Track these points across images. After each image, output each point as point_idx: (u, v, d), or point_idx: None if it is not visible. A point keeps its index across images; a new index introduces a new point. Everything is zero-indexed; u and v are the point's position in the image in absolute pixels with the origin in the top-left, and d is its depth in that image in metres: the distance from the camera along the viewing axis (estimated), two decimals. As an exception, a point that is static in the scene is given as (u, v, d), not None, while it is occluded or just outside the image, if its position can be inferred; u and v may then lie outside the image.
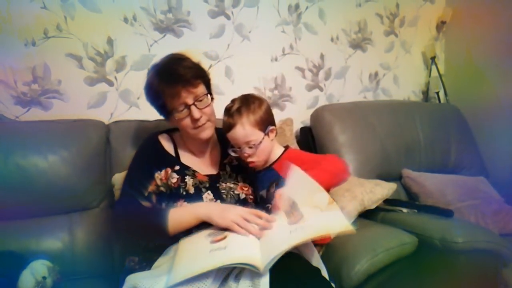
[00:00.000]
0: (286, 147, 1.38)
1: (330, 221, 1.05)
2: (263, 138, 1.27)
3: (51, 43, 1.70)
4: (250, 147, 1.26)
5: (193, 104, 1.26)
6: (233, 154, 1.32)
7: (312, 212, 1.08)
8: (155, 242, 1.23)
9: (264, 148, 1.28)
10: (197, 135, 1.32)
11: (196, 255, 1.04)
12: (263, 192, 1.30)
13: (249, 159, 1.28)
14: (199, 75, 1.30)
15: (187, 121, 1.28)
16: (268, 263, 0.97)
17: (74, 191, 1.50)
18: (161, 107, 1.31)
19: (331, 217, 1.06)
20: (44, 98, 1.71)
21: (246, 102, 1.28)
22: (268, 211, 1.22)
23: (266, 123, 1.28)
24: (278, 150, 1.35)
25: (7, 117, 1.65)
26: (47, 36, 1.69)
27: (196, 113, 1.26)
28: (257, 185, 1.34)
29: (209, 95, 1.31)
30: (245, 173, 1.41)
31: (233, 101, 1.31)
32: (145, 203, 1.25)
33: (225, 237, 1.08)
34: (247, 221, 1.10)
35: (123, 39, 1.82)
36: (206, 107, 1.29)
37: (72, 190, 1.49)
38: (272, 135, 1.31)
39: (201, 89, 1.29)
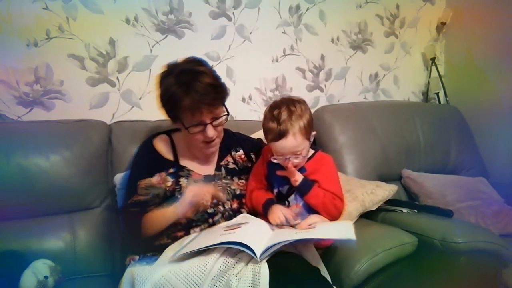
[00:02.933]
0: (316, 149, 1.35)
1: (336, 229, 1.17)
2: (307, 145, 1.23)
3: (53, 43, 1.71)
4: (296, 157, 1.21)
5: (210, 123, 1.26)
6: (275, 161, 1.26)
7: (324, 224, 1.20)
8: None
9: (305, 153, 1.24)
10: (202, 149, 1.33)
11: (208, 237, 1.14)
12: (284, 188, 1.29)
13: (295, 165, 1.24)
14: (222, 95, 1.29)
15: (199, 136, 1.28)
16: (265, 250, 1.01)
17: (76, 191, 1.51)
18: (176, 116, 1.30)
19: (338, 227, 1.18)
20: (46, 98, 1.72)
21: (293, 107, 1.21)
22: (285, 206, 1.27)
23: (312, 129, 1.24)
24: (309, 152, 1.31)
25: (9, 117, 1.66)
26: (49, 37, 1.70)
27: (211, 132, 1.27)
28: (279, 181, 1.31)
29: (228, 115, 1.31)
30: (241, 175, 1.41)
31: (277, 106, 1.23)
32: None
33: (238, 227, 1.13)
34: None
35: (125, 40, 1.83)
36: (220, 126, 1.30)
37: (73, 190, 1.50)
38: (312, 139, 1.27)
39: (220, 108, 1.29)
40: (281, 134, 1.18)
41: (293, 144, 1.18)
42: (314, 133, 1.26)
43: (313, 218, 1.23)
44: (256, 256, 1.00)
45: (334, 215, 1.28)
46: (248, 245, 1.02)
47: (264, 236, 1.11)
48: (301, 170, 1.27)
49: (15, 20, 1.64)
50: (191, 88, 1.22)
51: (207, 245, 1.07)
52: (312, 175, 1.26)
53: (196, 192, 1.20)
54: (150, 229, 1.24)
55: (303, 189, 1.24)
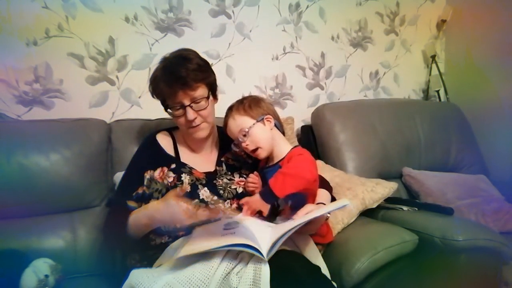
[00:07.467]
0: (294, 146, 1.36)
1: (332, 205, 1.24)
2: (253, 124, 1.27)
3: (52, 42, 1.71)
4: (244, 135, 1.27)
5: (189, 105, 1.27)
6: (235, 149, 1.32)
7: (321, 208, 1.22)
8: (129, 244, 1.27)
9: (257, 134, 1.27)
10: (191, 135, 1.34)
11: (208, 237, 1.11)
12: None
13: (250, 148, 1.28)
14: (201, 78, 1.29)
15: (181, 120, 1.30)
16: (270, 247, 1.00)
17: (76, 190, 1.51)
18: (161, 100, 1.34)
19: (334, 204, 1.25)
20: (46, 97, 1.72)
21: (240, 100, 1.34)
22: (274, 208, 1.26)
23: (259, 112, 1.30)
24: (286, 148, 1.32)
25: (9, 116, 1.66)
26: (49, 35, 1.70)
27: (190, 114, 1.27)
28: (264, 181, 1.32)
29: (208, 99, 1.31)
30: (241, 171, 1.41)
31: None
32: (132, 203, 1.27)
33: (237, 226, 1.12)
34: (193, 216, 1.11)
35: (124, 38, 1.82)
36: (202, 109, 1.29)
37: (73, 189, 1.50)
38: (268, 124, 1.30)
39: (200, 92, 1.29)
40: (225, 123, 1.33)
41: (233, 125, 1.30)
42: (267, 116, 1.30)
43: (308, 207, 1.22)
44: (264, 256, 0.98)
45: (301, 188, 1.21)
46: (254, 246, 1.00)
47: (265, 233, 1.09)
48: (276, 167, 1.27)
49: (14, 19, 1.64)
50: (169, 73, 1.27)
51: (211, 248, 1.04)
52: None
53: (173, 215, 1.14)
54: (131, 230, 1.22)
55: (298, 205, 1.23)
